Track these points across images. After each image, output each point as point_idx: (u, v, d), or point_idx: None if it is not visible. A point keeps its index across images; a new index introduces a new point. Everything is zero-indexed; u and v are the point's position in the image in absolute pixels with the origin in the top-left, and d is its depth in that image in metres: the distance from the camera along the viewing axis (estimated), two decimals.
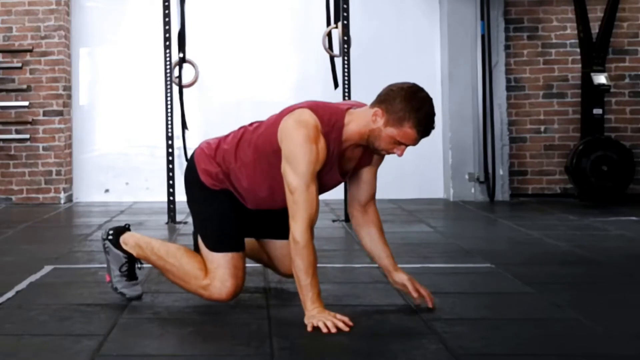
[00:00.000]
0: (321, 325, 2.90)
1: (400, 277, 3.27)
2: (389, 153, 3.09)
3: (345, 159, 3.15)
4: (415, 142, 3.03)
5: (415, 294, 3.23)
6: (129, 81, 7.80)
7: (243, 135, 3.24)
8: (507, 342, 2.83)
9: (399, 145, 3.02)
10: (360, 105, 3.17)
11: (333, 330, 2.88)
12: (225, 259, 3.25)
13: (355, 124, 3.05)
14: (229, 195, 3.28)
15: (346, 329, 2.90)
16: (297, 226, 2.97)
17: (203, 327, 3.08)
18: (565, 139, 7.60)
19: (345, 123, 3.06)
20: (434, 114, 3.00)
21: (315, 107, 3.07)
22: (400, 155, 3.07)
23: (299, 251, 2.97)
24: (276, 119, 3.13)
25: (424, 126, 2.99)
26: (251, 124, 3.29)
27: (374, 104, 3.05)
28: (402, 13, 7.83)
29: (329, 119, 3.04)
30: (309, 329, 2.91)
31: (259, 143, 3.16)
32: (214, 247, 3.26)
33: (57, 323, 3.10)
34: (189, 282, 3.31)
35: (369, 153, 3.18)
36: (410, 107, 2.96)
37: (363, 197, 3.29)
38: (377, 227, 3.31)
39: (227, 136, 3.32)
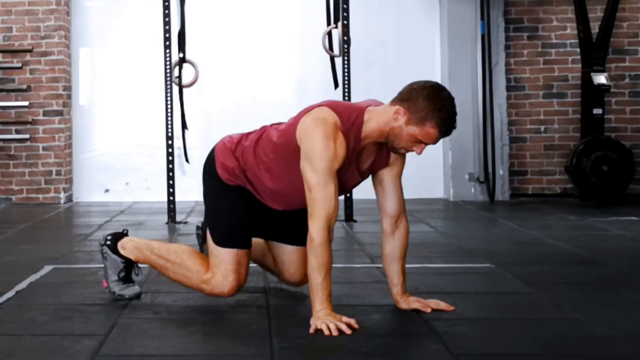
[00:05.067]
0: (324, 327, 2.88)
1: (410, 304, 3.22)
2: (407, 151, 3.09)
3: (362, 158, 3.14)
4: (436, 141, 3.04)
5: (428, 310, 3.19)
6: (128, 81, 7.80)
7: (263, 134, 3.24)
8: (507, 342, 2.83)
9: (419, 143, 3.03)
10: (378, 104, 3.16)
11: (335, 333, 2.86)
12: (230, 254, 3.25)
13: (375, 122, 3.05)
14: (242, 192, 3.28)
15: (348, 331, 2.88)
16: (315, 224, 2.96)
17: (203, 327, 3.08)
18: (565, 139, 7.60)
19: (365, 120, 3.05)
20: (455, 113, 3.00)
21: (334, 106, 3.08)
22: (419, 153, 3.07)
23: (313, 249, 2.96)
24: (295, 119, 3.14)
25: (446, 126, 2.99)
26: (272, 124, 3.30)
27: (395, 102, 3.04)
28: (402, 13, 7.83)
29: (348, 116, 3.04)
30: (312, 330, 2.90)
31: (278, 142, 3.16)
32: (221, 242, 3.26)
33: (57, 323, 3.10)
34: (190, 277, 3.31)
35: (385, 152, 3.15)
36: (433, 106, 2.96)
37: (391, 208, 3.22)
38: (402, 247, 3.24)
39: (250, 133, 3.32)
